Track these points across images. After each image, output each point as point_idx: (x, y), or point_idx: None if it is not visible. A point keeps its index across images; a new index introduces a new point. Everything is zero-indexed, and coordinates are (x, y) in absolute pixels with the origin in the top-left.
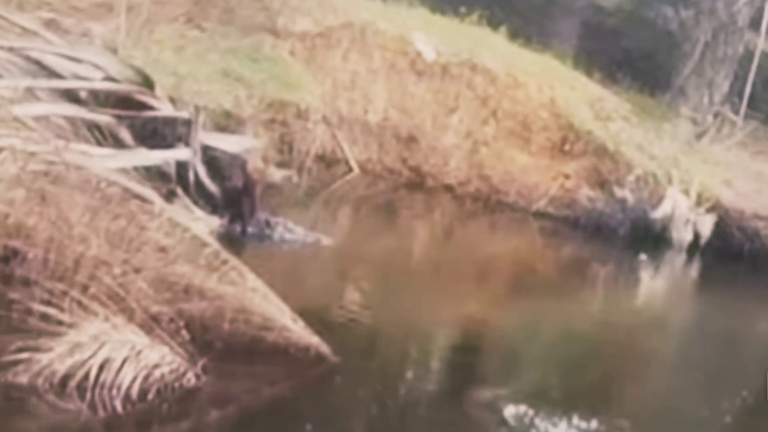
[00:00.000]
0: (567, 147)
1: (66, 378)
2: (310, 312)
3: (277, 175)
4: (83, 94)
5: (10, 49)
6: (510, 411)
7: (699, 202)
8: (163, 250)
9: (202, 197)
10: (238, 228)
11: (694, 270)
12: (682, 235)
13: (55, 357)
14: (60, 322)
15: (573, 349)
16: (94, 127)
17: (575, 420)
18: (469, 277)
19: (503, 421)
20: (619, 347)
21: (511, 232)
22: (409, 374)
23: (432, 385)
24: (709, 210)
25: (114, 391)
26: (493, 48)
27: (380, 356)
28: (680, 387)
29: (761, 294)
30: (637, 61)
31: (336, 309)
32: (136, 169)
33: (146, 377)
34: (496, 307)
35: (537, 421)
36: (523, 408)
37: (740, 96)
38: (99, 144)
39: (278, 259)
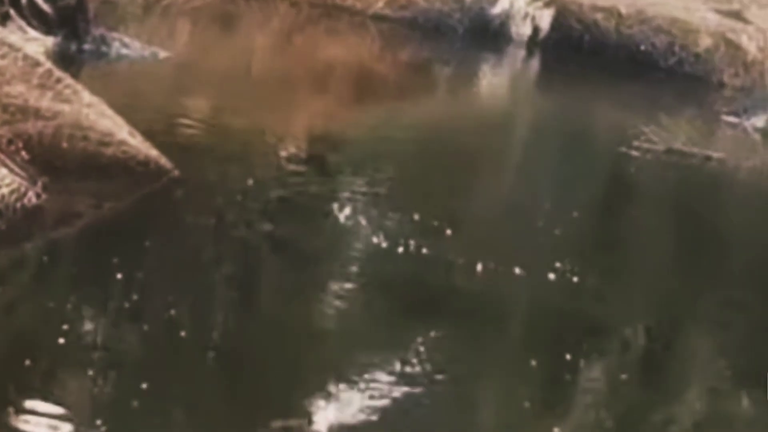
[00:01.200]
0: None
1: None
2: (151, 126)
3: None
4: None
5: None
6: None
7: None
8: None
9: (35, 17)
10: (73, 46)
11: (535, 65)
12: (522, 30)
13: None
14: None
15: (416, 152)
16: None
17: (407, 218)
18: (309, 84)
19: (339, 222)
20: (463, 147)
21: (350, 36)
22: (251, 184)
23: (273, 193)
24: (548, 3)
25: None
26: None
27: (222, 168)
28: (526, 183)
29: (602, 85)
30: None
31: (176, 121)
32: None
33: None
34: (337, 112)
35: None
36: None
37: None
38: None
39: (116, 75)
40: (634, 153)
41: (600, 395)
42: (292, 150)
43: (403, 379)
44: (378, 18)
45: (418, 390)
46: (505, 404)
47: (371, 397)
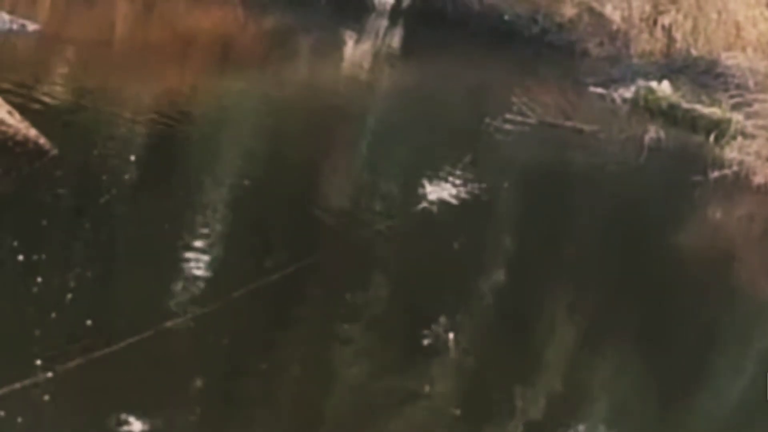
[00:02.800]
0: None
1: None
2: (27, 103)
3: None
4: None
5: None
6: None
7: None
8: None
9: None
10: None
11: (398, 34)
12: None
13: None
14: None
15: (280, 120)
16: None
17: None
18: (172, 53)
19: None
20: (327, 115)
21: (212, 4)
22: (133, 158)
23: (147, 166)
24: None
25: None
26: None
27: (98, 145)
28: (394, 150)
29: (467, 55)
30: None
31: (52, 98)
32: None
33: None
34: (201, 81)
35: None
36: None
37: None
38: None
39: None
40: (508, 126)
41: None
42: (158, 120)
43: None
44: None
45: None
46: None
47: None
